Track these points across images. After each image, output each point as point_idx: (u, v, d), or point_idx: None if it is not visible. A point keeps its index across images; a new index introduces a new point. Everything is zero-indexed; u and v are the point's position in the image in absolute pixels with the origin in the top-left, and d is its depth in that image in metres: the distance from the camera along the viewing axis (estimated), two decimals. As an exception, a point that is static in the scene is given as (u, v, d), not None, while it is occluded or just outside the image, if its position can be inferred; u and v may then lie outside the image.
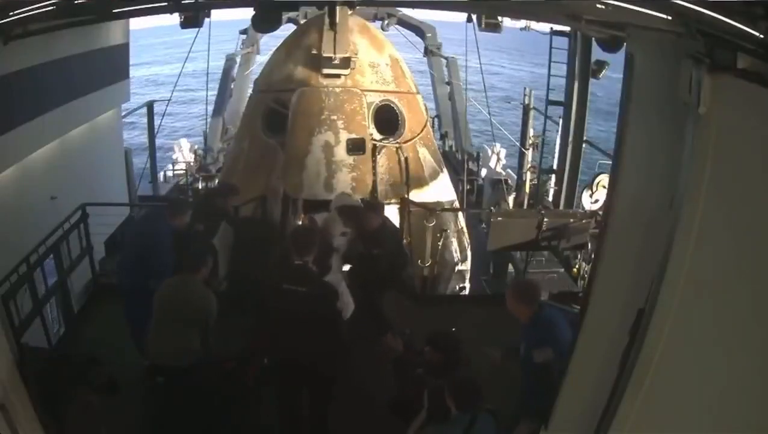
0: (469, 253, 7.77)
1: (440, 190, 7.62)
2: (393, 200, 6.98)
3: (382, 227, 5.33)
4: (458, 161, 13.85)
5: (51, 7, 3.43)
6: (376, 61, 7.26)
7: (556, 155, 10.92)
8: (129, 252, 5.08)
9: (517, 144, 12.65)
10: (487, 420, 3.37)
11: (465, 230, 7.88)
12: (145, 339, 4.25)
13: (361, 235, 5.25)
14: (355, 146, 6.82)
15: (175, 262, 4.55)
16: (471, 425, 3.26)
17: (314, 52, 6.83)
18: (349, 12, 6.96)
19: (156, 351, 4.14)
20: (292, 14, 12.53)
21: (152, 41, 62.94)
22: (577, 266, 8.17)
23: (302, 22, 10.47)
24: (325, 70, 6.85)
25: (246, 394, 4.29)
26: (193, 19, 6.34)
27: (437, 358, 3.83)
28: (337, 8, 6.39)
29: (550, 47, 10.32)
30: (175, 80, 13.10)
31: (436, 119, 15.06)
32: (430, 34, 15.45)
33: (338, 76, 6.92)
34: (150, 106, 13.48)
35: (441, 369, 3.74)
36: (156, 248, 4.74)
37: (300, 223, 5.05)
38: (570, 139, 10.11)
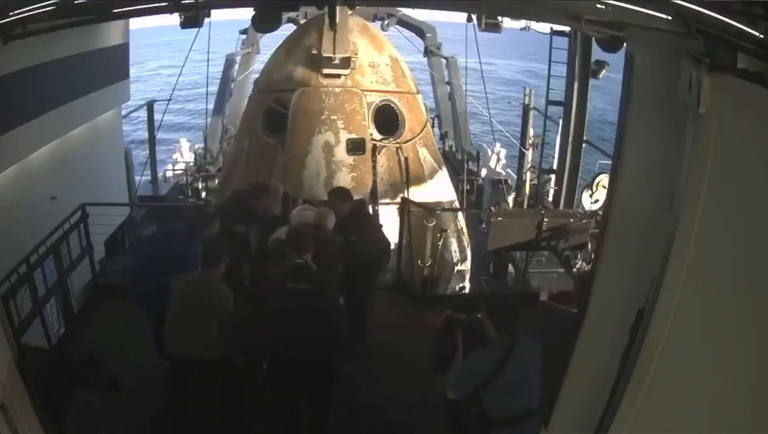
0: (469, 253, 7.77)
1: (440, 190, 7.62)
2: (393, 200, 7.00)
3: (353, 212, 5.28)
4: (458, 161, 13.85)
5: (51, 7, 3.42)
6: (376, 61, 7.26)
7: (556, 155, 10.92)
8: (156, 255, 4.97)
9: (518, 144, 12.65)
10: (532, 344, 3.25)
11: (465, 230, 7.88)
12: (164, 332, 4.26)
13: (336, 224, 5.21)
14: (355, 146, 6.82)
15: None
16: (513, 346, 3.18)
17: (314, 52, 6.83)
18: (349, 12, 6.96)
19: (178, 345, 4.14)
20: (292, 14, 12.53)
21: (154, 40, 62.86)
22: (577, 266, 8.16)
23: (302, 22, 10.48)
24: (325, 70, 6.85)
25: (253, 391, 4.30)
26: (193, 19, 6.33)
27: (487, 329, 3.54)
28: (337, 8, 6.39)
29: (550, 47, 10.32)
30: (175, 80, 13.08)
31: (436, 119, 15.06)
32: (430, 34, 15.45)
33: (338, 76, 6.92)
34: (150, 106, 13.48)
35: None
36: (186, 252, 4.70)
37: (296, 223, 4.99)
38: (570, 139, 10.12)
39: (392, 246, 6.31)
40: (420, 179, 7.31)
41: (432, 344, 3.95)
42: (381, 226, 5.72)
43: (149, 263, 4.87)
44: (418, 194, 7.15)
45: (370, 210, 6.30)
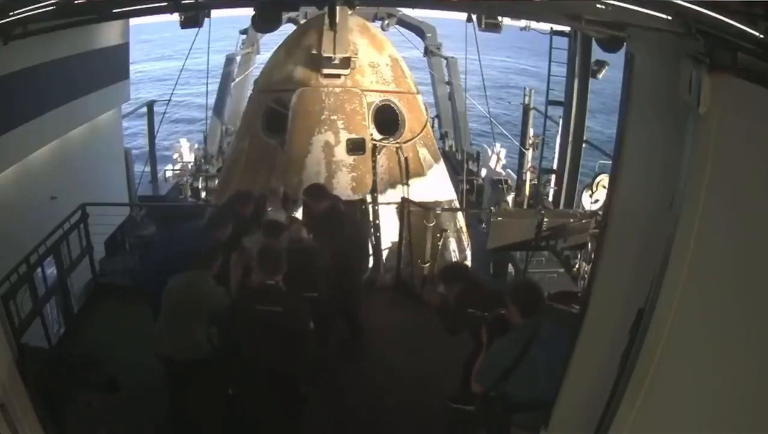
0: (469, 253, 7.77)
1: (440, 190, 7.62)
2: (393, 200, 7.00)
3: (331, 210, 5.30)
4: (458, 161, 13.85)
5: (51, 7, 3.42)
6: (376, 61, 7.26)
7: (556, 155, 10.92)
8: (168, 256, 4.97)
9: (517, 144, 12.65)
10: (559, 329, 3.27)
11: (465, 230, 7.88)
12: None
13: (312, 223, 5.27)
14: (355, 146, 6.82)
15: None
16: (537, 329, 3.26)
17: (314, 52, 6.83)
18: (349, 12, 6.96)
19: (165, 345, 4.15)
20: (292, 14, 12.53)
21: (154, 36, 62.72)
22: (577, 266, 8.17)
23: (302, 22, 10.47)
24: (325, 70, 6.85)
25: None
26: (193, 18, 6.34)
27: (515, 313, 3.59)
28: (337, 8, 6.39)
29: (550, 47, 10.32)
30: (176, 79, 13.08)
31: (436, 119, 15.06)
32: (430, 34, 15.46)
33: (338, 76, 6.92)
34: (150, 106, 13.49)
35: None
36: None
37: (267, 242, 4.93)
38: (570, 139, 10.12)
39: (371, 242, 6.33)
40: (420, 179, 7.31)
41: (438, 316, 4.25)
42: (360, 221, 5.71)
43: (161, 263, 4.84)
44: (418, 194, 7.15)
45: (344, 207, 6.23)
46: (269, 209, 5.86)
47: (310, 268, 4.55)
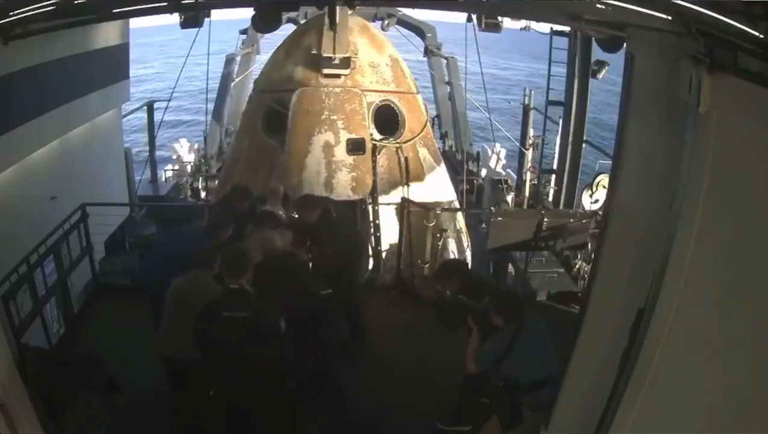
0: (469, 253, 7.77)
1: (440, 190, 7.62)
2: (392, 200, 7.00)
3: (323, 217, 5.30)
4: (458, 161, 13.85)
5: (51, 7, 3.43)
6: (376, 61, 7.26)
7: (556, 155, 10.91)
8: (169, 257, 4.92)
9: (517, 144, 12.64)
10: (538, 322, 3.83)
11: (465, 230, 7.88)
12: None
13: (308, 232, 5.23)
14: (355, 146, 6.82)
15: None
16: (519, 328, 3.73)
17: (314, 52, 6.83)
18: (349, 12, 6.96)
19: (165, 345, 4.15)
20: (292, 14, 12.52)
21: (154, 39, 62.73)
22: (577, 266, 8.16)
23: (302, 22, 10.47)
24: (325, 70, 6.86)
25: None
26: (193, 19, 6.34)
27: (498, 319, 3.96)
28: (337, 8, 6.39)
29: (550, 47, 10.32)
30: (175, 80, 13.06)
31: (436, 119, 15.06)
32: (430, 35, 15.45)
33: (338, 76, 6.92)
34: (150, 106, 13.49)
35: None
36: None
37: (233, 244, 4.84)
38: (570, 139, 10.11)
39: (371, 243, 6.33)
40: (420, 179, 7.31)
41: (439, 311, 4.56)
42: (357, 222, 5.69)
43: (161, 263, 4.82)
44: (417, 194, 7.15)
45: (336, 211, 6.23)
46: (266, 207, 5.85)
47: (288, 273, 4.51)
